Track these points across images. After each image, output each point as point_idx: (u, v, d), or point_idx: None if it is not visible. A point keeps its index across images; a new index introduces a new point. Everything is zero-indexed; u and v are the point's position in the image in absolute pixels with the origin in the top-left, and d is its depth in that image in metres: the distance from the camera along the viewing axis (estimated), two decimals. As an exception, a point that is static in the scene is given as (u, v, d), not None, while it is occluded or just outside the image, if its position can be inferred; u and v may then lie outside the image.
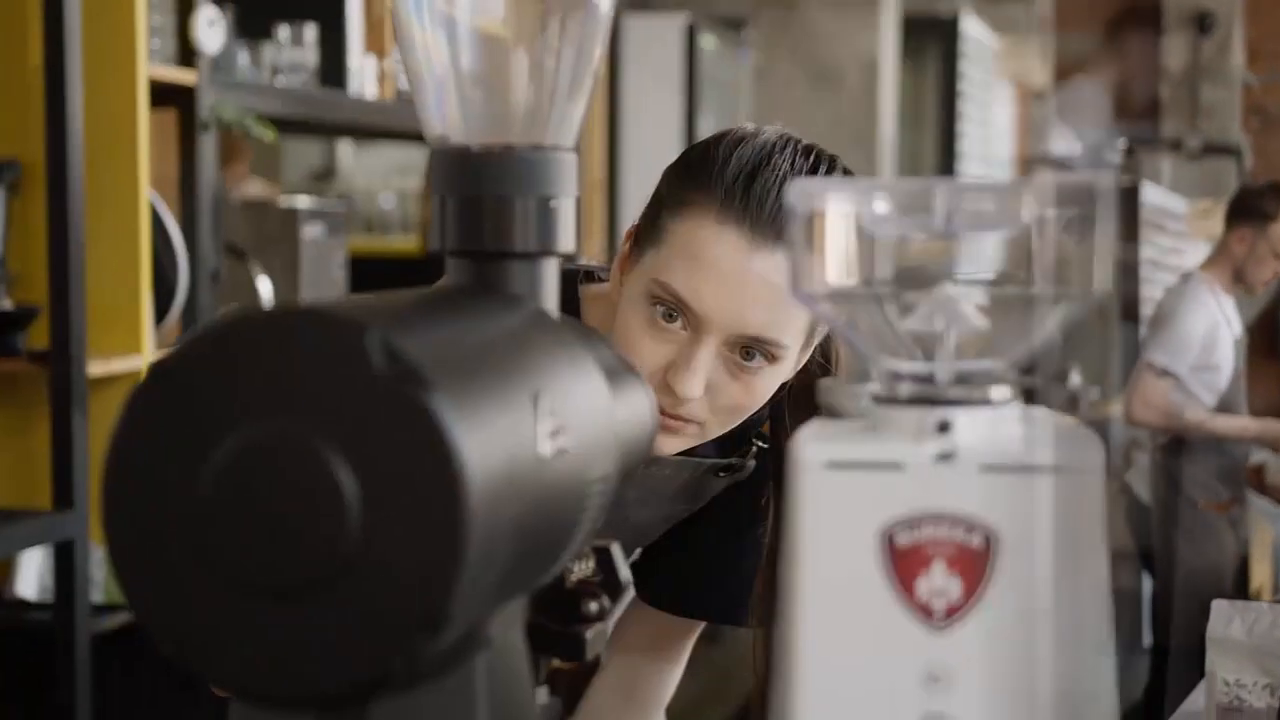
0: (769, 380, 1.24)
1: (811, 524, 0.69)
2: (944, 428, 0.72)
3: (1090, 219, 0.72)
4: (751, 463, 1.39)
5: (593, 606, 0.81)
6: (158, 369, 0.65)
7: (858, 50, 5.64)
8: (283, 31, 3.14)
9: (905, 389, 0.74)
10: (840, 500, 0.70)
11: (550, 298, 0.85)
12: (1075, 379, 6.33)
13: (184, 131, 2.77)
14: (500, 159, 0.83)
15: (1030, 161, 9.54)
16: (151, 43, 2.69)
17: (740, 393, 1.24)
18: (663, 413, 1.22)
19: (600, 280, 1.40)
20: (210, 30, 2.75)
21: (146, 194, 2.59)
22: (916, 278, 0.77)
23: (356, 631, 0.62)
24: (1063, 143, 5.45)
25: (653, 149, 4.92)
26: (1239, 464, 4.41)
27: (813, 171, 1.26)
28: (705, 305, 1.20)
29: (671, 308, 1.22)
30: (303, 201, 3.28)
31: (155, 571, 0.64)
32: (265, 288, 3.06)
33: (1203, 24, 9.53)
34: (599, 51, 0.86)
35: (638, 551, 1.44)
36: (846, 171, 1.30)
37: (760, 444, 1.39)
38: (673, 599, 1.45)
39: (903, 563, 0.69)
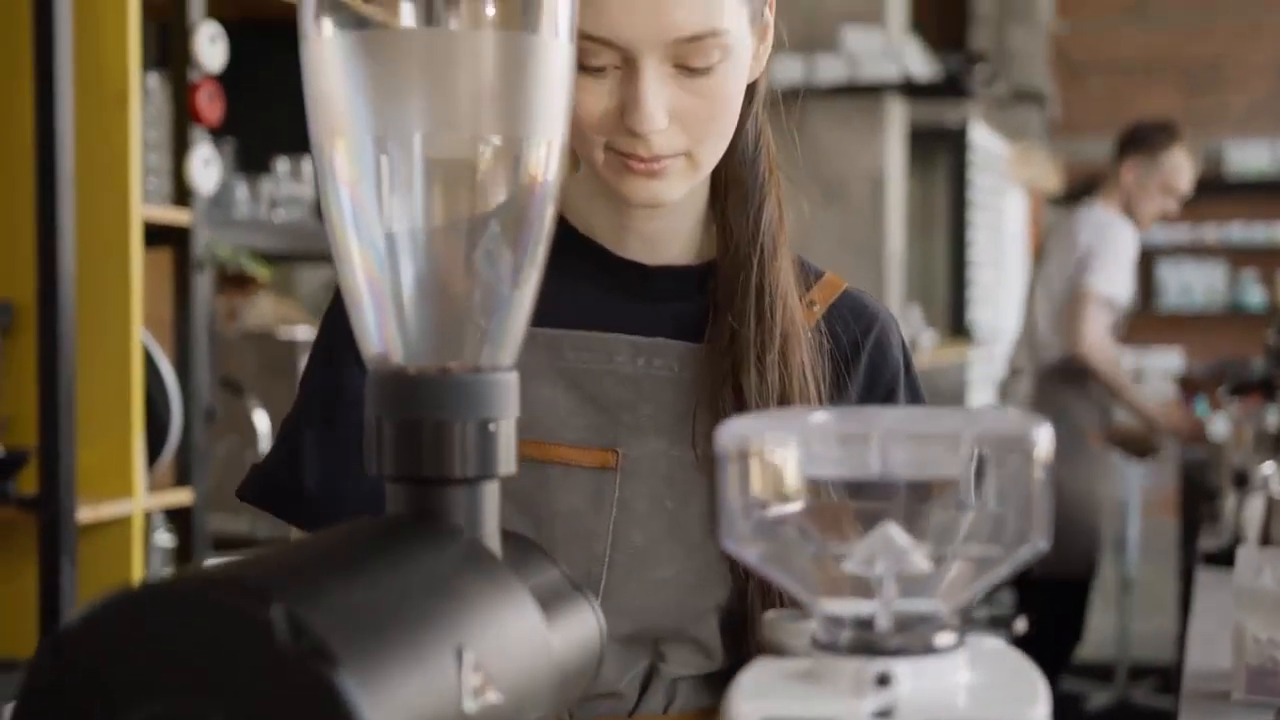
0: (730, 78, 1.14)
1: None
2: (884, 681, 0.69)
3: (1024, 467, 0.69)
4: None
5: None
6: (59, 641, 0.62)
7: (865, 165, 5.66)
8: (281, 165, 3.15)
9: (845, 636, 0.71)
10: (772, 768, 0.67)
11: (490, 522, 0.83)
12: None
13: (179, 270, 2.77)
14: (438, 382, 0.82)
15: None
16: (148, 182, 2.69)
17: (706, 104, 1.13)
18: (641, 159, 1.14)
19: None
20: (206, 169, 2.75)
21: (139, 336, 2.58)
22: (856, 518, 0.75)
23: None
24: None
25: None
26: (1112, 406, 4.50)
27: None
28: (618, 31, 1.10)
29: (596, 53, 1.11)
30: (303, 332, 3.28)
31: None
32: (262, 422, 3.05)
33: None
34: (536, 273, 0.85)
35: None
36: None
37: None
38: None
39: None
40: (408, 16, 0.95)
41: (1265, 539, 2.80)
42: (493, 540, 0.83)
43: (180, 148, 2.76)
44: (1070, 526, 4.08)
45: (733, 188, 1.23)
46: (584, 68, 1.12)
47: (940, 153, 7.39)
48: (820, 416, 0.74)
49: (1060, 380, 4.43)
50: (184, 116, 2.76)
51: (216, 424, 2.91)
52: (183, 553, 2.84)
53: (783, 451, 0.71)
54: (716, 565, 1.18)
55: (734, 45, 1.13)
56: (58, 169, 2.43)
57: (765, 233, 1.21)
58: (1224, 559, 2.77)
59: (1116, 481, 4.47)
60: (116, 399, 2.56)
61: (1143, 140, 4.42)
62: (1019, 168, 8.70)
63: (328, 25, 0.80)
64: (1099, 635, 6.37)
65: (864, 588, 0.72)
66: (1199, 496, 4.59)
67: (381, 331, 0.83)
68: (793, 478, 0.72)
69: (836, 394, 1.23)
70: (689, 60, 1.11)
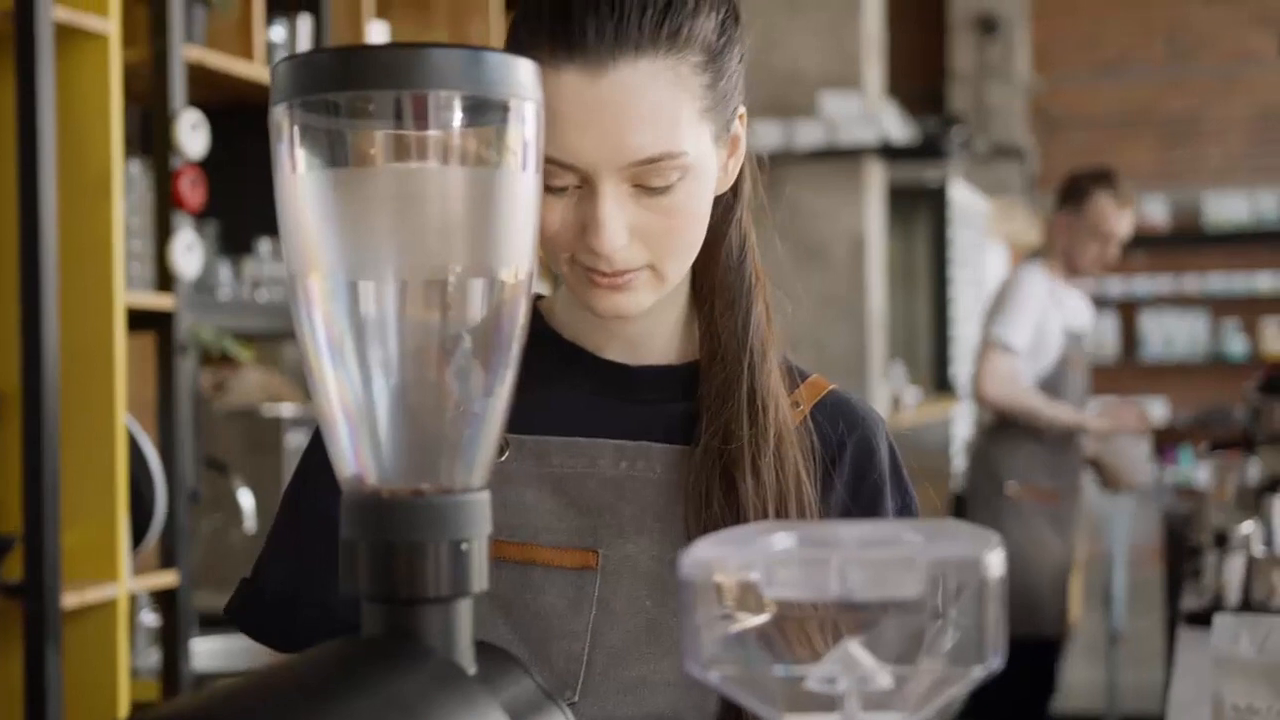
0: (692, 194, 1.15)
1: None
2: (848, 797, 0.71)
3: (976, 590, 0.72)
4: None
5: None
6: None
7: (846, 226, 5.71)
8: (263, 245, 3.18)
9: (810, 753, 0.73)
10: None
11: (464, 639, 0.85)
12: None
13: (163, 354, 2.79)
14: (411, 504, 0.84)
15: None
16: (131, 268, 2.72)
17: (666, 220, 1.14)
18: (604, 274, 1.14)
19: None
20: (188, 255, 2.78)
21: (123, 421, 2.60)
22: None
23: None
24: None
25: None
26: (1064, 457, 4.38)
27: None
28: (575, 154, 1.11)
29: (556, 174, 1.13)
30: (288, 410, 3.30)
31: None
32: (247, 501, 3.07)
33: (987, 27, 9.75)
34: (506, 395, 0.87)
35: None
36: None
37: None
38: None
39: None
40: (380, 154, 0.98)
41: (1246, 599, 2.82)
42: (466, 656, 0.85)
43: (163, 234, 2.78)
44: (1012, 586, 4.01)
45: (718, 293, 1.24)
46: (546, 187, 1.14)
47: (920, 211, 7.45)
48: (782, 540, 0.76)
49: (989, 438, 4.46)
50: (166, 203, 2.79)
51: (201, 503, 2.93)
52: (168, 633, 2.85)
53: (745, 575, 0.73)
54: None
55: (694, 164, 1.14)
56: (41, 256, 2.46)
57: (754, 336, 1.23)
58: (1205, 619, 2.79)
59: (1067, 532, 4.43)
60: (101, 484, 2.57)
61: (1070, 191, 4.48)
62: (999, 223, 8.77)
63: (301, 162, 0.83)
64: (1088, 688, 6.37)
65: (828, 704, 0.74)
66: (1182, 549, 4.60)
67: (356, 455, 0.85)
68: (755, 600, 0.74)
69: (824, 493, 1.24)
70: (647, 180, 1.12)
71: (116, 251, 2.59)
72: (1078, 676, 6.72)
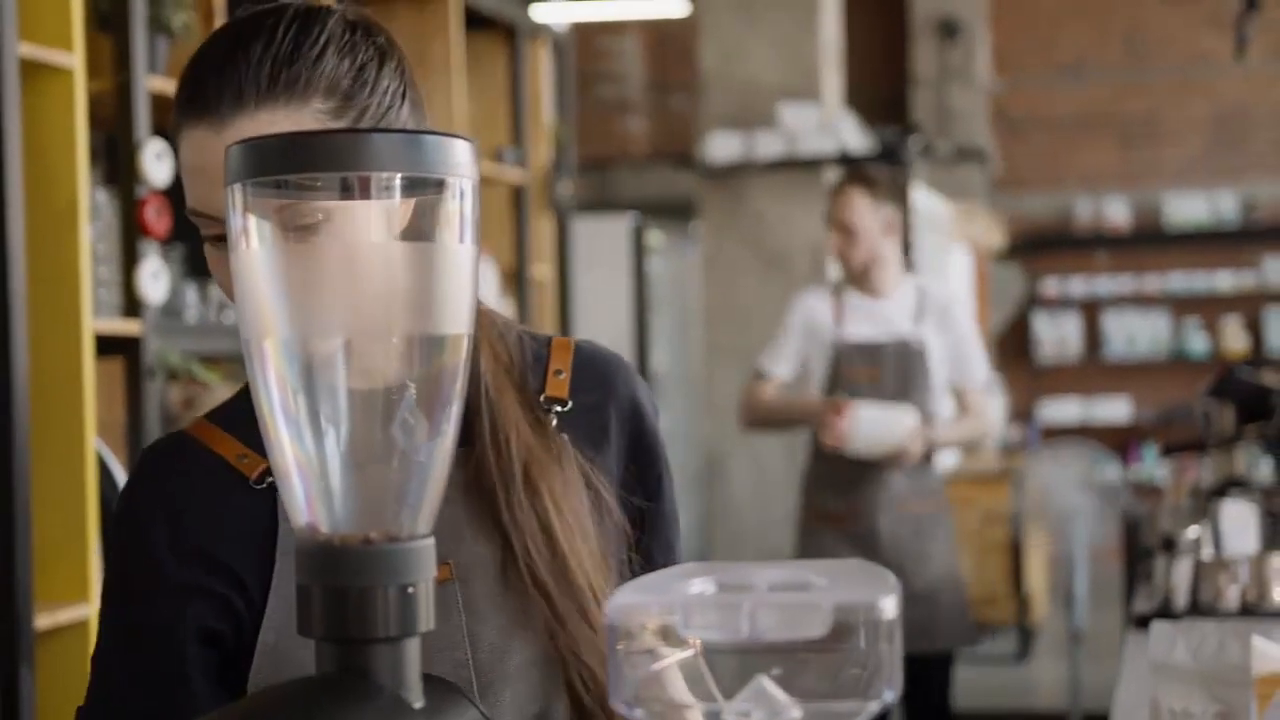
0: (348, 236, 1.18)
1: None
2: (758, 821, 0.78)
3: (872, 630, 0.79)
4: None
5: None
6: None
7: (806, 236, 5.79)
8: (229, 268, 3.23)
9: (725, 780, 0.80)
10: None
11: (412, 675, 0.92)
12: None
13: (131, 378, 2.85)
14: (361, 552, 0.90)
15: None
16: (98, 294, 2.78)
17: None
18: None
19: None
20: (155, 281, 2.84)
21: (93, 444, 2.65)
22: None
23: None
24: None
25: (605, 344, 5.02)
26: (850, 476, 4.11)
27: (265, 20, 1.21)
28: (208, 204, 1.20)
29: (206, 224, 1.21)
30: (254, 427, 3.35)
31: None
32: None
33: (948, 30, 9.85)
34: (449, 443, 0.94)
35: None
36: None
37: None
38: None
39: None
40: (326, 230, 1.04)
41: (1194, 602, 2.89)
42: (414, 691, 0.92)
43: (129, 260, 2.84)
44: None
45: None
46: (205, 239, 1.22)
47: (882, 216, 7.52)
48: (698, 585, 0.83)
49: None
50: (133, 230, 2.84)
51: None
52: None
53: (664, 620, 0.80)
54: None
55: (339, 207, 1.19)
56: (10, 283, 2.51)
57: (484, 379, 1.28)
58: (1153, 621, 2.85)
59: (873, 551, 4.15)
60: (72, 508, 2.63)
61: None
62: (962, 226, 8.86)
63: (254, 237, 0.90)
64: (1051, 685, 6.47)
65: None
66: (1138, 550, 4.66)
67: (309, 505, 0.92)
68: (673, 642, 0.81)
69: (600, 448, 1.31)
70: (295, 224, 1.19)
71: (84, 278, 2.65)
72: (1041, 674, 6.83)
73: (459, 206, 0.91)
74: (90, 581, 2.66)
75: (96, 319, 2.72)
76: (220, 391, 3.74)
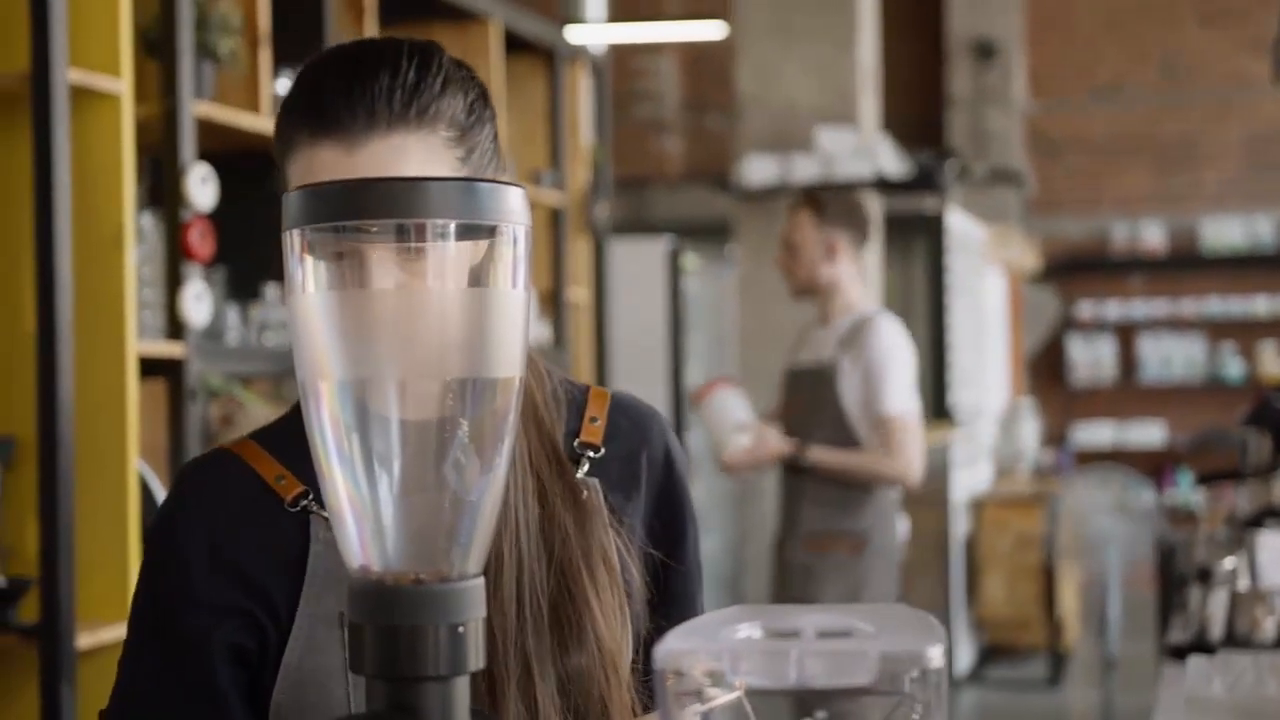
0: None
1: None
2: None
3: (924, 678, 0.80)
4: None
5: None
6: None
7: (841, 258, 5.78)
8: (270, 291, 3.27)
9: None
10: None
11: (461, 713, 0.93)
12: None
13: (173, 400, 2.87)
14: (413, 592, 0.92)
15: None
16: (142, 317, 2.81)
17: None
18: None
19: None
20: (198, 304, 2.87)
21: (136, 466, 2.68)
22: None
23: None
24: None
25: (641, 367, 5.05)
26: (779, 502, 4.10)
27: (384, 49, 1.22)
28: None
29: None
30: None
31: None
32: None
33: (985, 52, 9.82)
34: (499, 483, 0.95)
35: None
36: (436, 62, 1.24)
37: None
38: None
39: None
40: (382, 276, 1.06)
41: (1230, 635, 2.88)
42: (462, 736, 0.93)
43: (173, 283, 2.87)
44: None
45: None
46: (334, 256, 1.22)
47: (917, 239, 7.53)
48: (745, 630, 0.84)
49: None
50: (177, 254, 2.88)
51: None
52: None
53: (712, 666, 0.82)
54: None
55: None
56: (57, 308, 2.54)
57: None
58: (1188, 654, 2.84)
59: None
60: (114, 528, 2.65)
61: None
62: (996, 249, 8.85)
63: (310, 281, 0.92)
64: (1084, 712, 6.44)
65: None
66: (1173, 578, 4.63)
67: (362, 547, 0.94)
68: (722, 687, 0.82)
69: (627, 503, 1.33)
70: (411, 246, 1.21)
71: (129, 302, 2.68)
72: (1073, 700, 6.79)
73: (512, 252, 0.93)
74: (131, 601, 2.68)
75: (140, 341, 2.75)
76: (257, 410, 3.77)
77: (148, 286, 2.84)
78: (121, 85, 2.68)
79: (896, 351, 3.98)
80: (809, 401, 4.03)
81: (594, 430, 1.34)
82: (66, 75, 2.55)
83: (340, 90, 1.20)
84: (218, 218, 2.98)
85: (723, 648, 0.82)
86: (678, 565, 1.36)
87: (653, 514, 1.36)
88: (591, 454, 1.32)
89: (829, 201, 4.12)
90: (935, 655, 0.79)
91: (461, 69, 1.26)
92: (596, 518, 1.30)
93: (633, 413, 1.38)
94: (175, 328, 2.88)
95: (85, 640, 2.58)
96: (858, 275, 4.12)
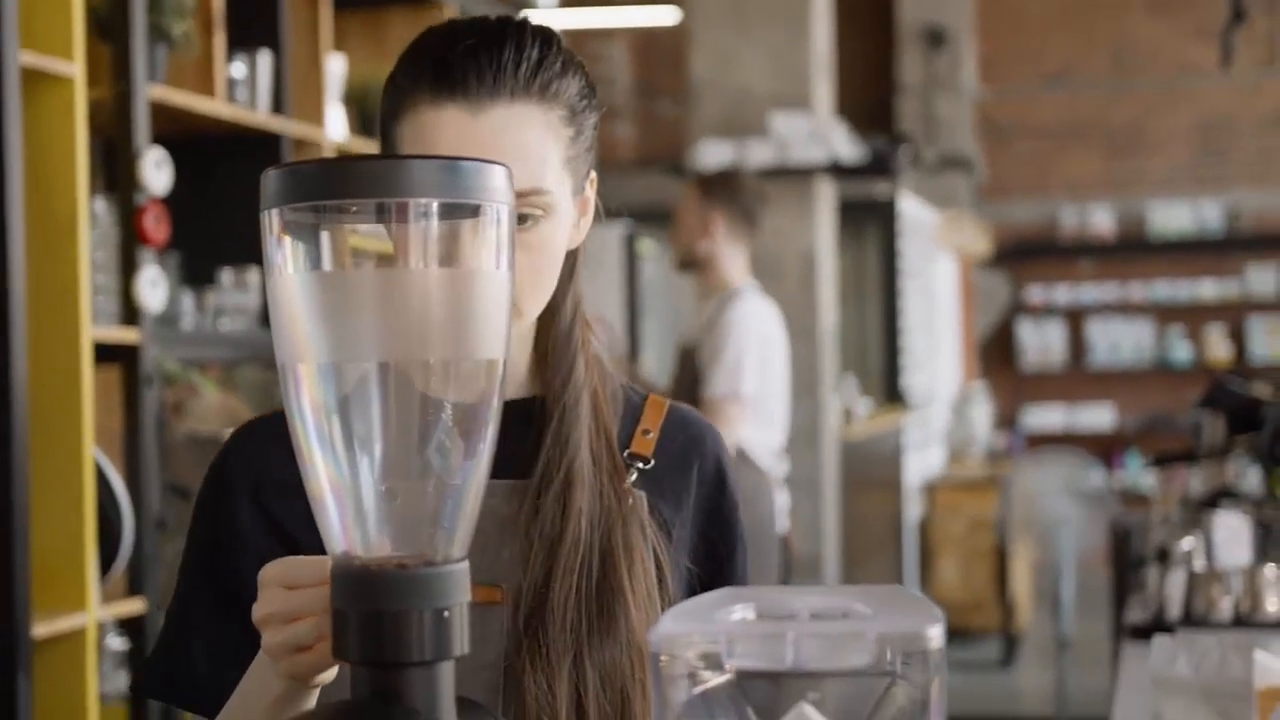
0: (551, 235, 1.23)
1: None
2: None
3: (923, 660, 0.79)
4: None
5: None
6: None
7: (797, 244, 5.79)
8: (226, 276, 3.23)
9: (765, 808, 0.80)
10: None
11: (446, 698, 0.91)
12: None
13: (128, 386, 2.84)
14: (396, 576, 0.90)
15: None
16: (96, 303, 2.77)
17: (526, 256, 1.20)
18: None
19: None
20: (153, 289, 2.83)
21: (91, 453, 2.65)
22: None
23: None
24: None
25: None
26: None
27: (506, 25, 1.24)
28: None
29: None
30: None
31: None
32: (211, 527, 3.10)
33: (935, 39, 9.87)
34: (483, 466, 0.94)
35: None
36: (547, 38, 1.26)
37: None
38: None
39: None
40: (362, 256, 1.04)
41: (1187, 613, 2.90)
42: (448, 715, 0.92)
43: (128, 269, 2.84)
44: None
45: (551, 347, 1.31)
46: None
47: (870, 225, 7.55)
48: (739, 612, 0.83)
49: None
50: (131, 239, 2.84)
51: (166, 531, 2.98)
52: (136, 657, 2.90)
53: (707, 648, 0.81)
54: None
55: (556, 205, 1.23)
56: (10, 294, 2.50)
57: (570, 391, 1.29)
58: (1148, 633, 2.85)
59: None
60: (70, 515, 2.62)
61: None
62: (948, 233, 8.88)
63: (289, 263, 0.90)
64: (1037, 692, 6.49)
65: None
66: (1127, 557, 4.64)
67: (344, 531, 0.92)
68: (716, 669, 0.81)
69: (674, 515, 1.32)
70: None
71: (83, 287, 2.64)
72: (1026, 681, 6.84)
73: (495, 232, 0.91)
74: (88, 590, 2.65)
75: (95, 327, 2.71)
76: (212, 396, 3.73)
77: (102, 272, 2.80)
78: (74, 68, 2.64)
79: (739, 331, 3.95)
80: (682, 379, 4.07)
81: (645, 442, 1.34)
82: (18, 58, 2.51)
83: (469, 54, 1.21)
84: (172, 202, 2.94)
85: (719, 630, 0.81)
86: (726, 575, 1.36)
87: (700, 529, 1.36)
88: (641, 465, 1.32)
89: (713, 180, 4.18)
90: (934, 635, 0.79)
91: (576, 56, 1.28)
92: (636, 519, 1.29)
93: (689, 425, 1.37)
94: (130, 313, 2.84)
95: (41, 629, 2.55)
96: (738, 254, 4.10)
